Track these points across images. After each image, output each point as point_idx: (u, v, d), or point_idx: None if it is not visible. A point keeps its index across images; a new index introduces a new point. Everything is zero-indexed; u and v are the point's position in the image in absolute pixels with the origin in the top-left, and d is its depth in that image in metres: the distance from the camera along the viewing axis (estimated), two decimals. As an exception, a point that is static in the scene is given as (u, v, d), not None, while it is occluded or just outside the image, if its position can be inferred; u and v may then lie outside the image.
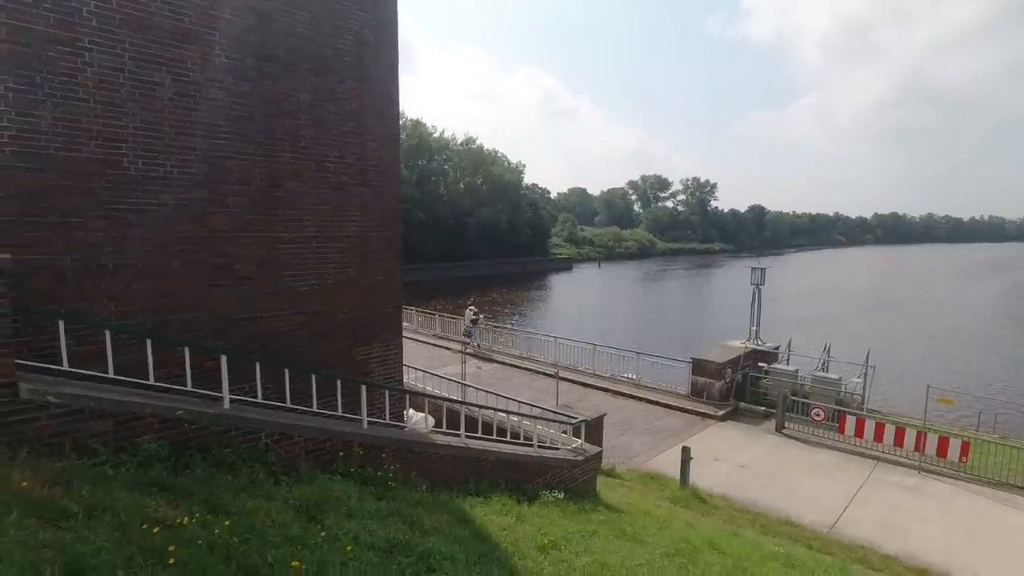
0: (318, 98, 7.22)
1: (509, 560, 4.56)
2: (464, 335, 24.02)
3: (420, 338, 25.60)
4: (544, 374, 19.59)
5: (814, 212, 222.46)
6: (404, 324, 28.20)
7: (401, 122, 71.64)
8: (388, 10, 7.86)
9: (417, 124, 74.32)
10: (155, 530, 3.14)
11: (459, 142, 79.74)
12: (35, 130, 5.38)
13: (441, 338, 25.78)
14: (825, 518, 10.96)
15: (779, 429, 15.46)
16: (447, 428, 7.64)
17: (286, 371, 5.91)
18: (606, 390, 18.47)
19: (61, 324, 4.64)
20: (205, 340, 6.33)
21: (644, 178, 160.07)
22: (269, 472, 4.92)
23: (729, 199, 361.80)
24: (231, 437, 5.05)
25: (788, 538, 9.85)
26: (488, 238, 74.45)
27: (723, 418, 16.27)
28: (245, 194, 6.70)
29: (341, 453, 5.98)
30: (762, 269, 19.29)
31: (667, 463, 12.93)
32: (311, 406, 6.17)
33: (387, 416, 6.86)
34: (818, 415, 15.23)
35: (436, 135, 76.68)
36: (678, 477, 11.82)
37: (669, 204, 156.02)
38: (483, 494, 6.68)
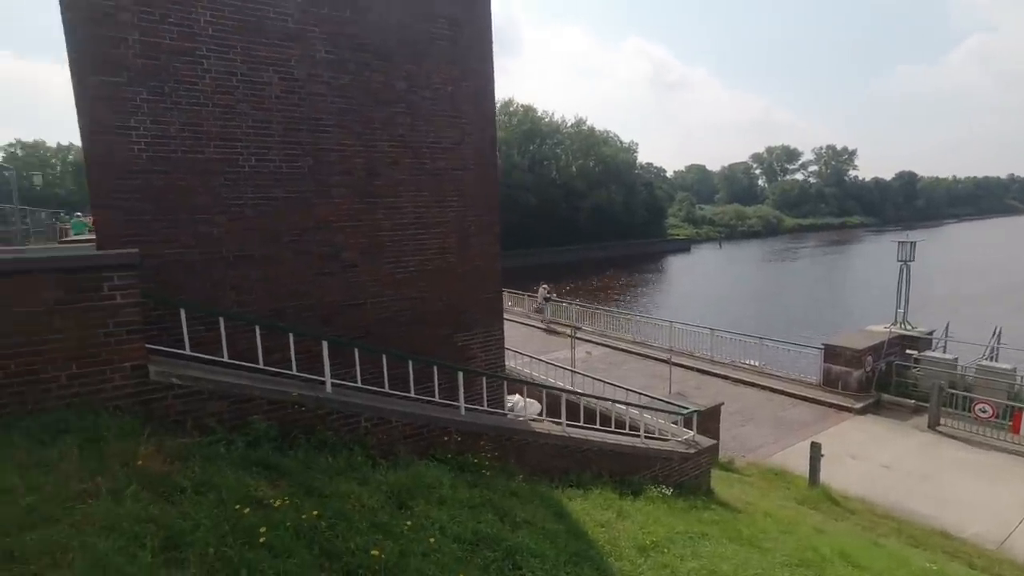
0: (413, 85, 7.26)
1: (604, 561, 4.29)
2: (536, 311, 25.88)
3: (532, 323, 25.71)
4: (658, 359, 18.77)
5: (980, 175, 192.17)
6: (516, 309, 28.66)
7: (512, 108, 72.63)
8: (481, -11, 7.70)
9: (528, 109, 74.42)
10: (248, 510, 3.26)
11: (569, 124, 78.73)
12: (165, 135, 5.90)
13: (553, 322, 25.69)
14: (993, 532, 9.39)
15: (932, 426, 13.52)
16: (557, 415, 7.43)
17: (383, 357, 6.03)
18: (725, 377, 17.32)
19: (183, 312, 5.04)
20: (315, 326, 6.65)
21: (769, 150, 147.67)
22: (367, 456, 5.04)
23: (871, 167, 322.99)
24: (333, 420, 5.25)
25: (943, 552, 8.55)
26: (602, 220, 72.94)
27: (862, 411, 14.57)
28: (347, 184, 6.92)
29: (445, 438, 6.03)
30: (911, 243, 16.93)
31: (794, 458, 11.82)
32: (411, 392, 6.27)
33: (485, 402, 6.82)
34: (984, 411, 13.12)
35: (547, 119, 76.33)
36: (806, 474, 10.74)
37: (799, 176, 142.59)
38: (584, 486, 6.43)
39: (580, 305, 26.16)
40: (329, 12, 6.62)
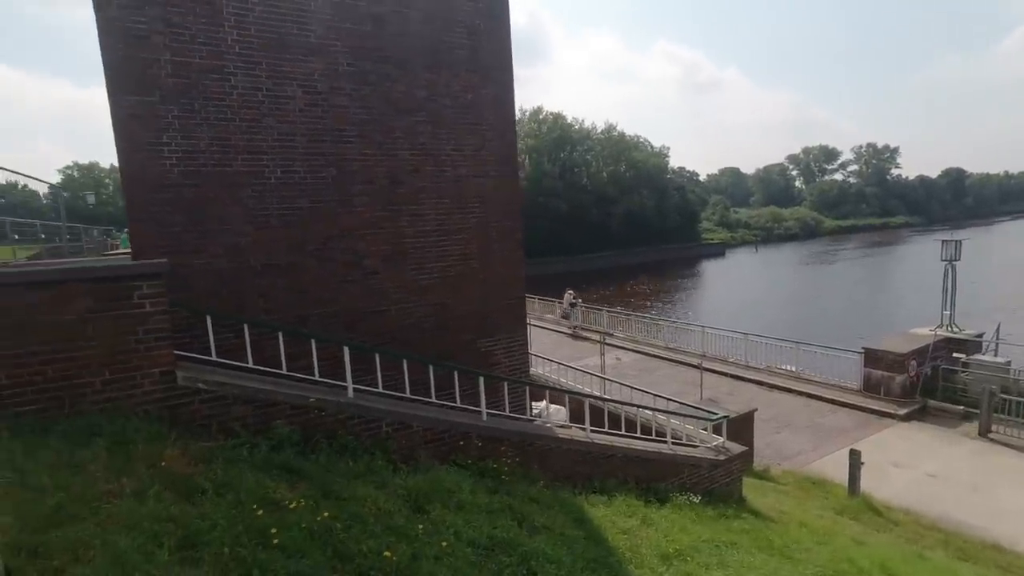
0: (434, 93, 7.35)
1: (623, 568, 4.21)
2: (562, 316, 26.05)
3: (562, 330, 25.59)
4: (690, 365, 18.41)
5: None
6: (547, 316, 28.62)
7: (541, 116, 72.78)
8: (499, -3, 7.76)
9: (558, 117, 74.38)
10: (264, 511, 3.32)
11: (599, 131, 78.42)
12: (195, 150, 6.12)
13: (583, 328, 25.53)
14: (1051, 546, 8.85)
15: (983, 433, 12.86)
16: (588, 421, 7.35)
17: (404, 362, 6.09)
18: (760, 383, 16.87)
19: (209, 319, 5.20)
20: (339, 333, 6.76)
21: (806, 150, 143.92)
22: (388, 460, 5.09)
23: (915, 165, 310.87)
24: (354, 425, 5.31)
25: (996, 567, 8.10)
26: (634, 226, 72.18)
27: (906, 418, 13.97)
28: (370, 193, 7.05)
29: (466, 443, 6.03)
30: (956, 242, 16.21)
31: (832, 467, 11.39)
32: (433, 397, 6.31)
33: (507, 408, 6.80)
34: (1040, 418, 12.40)
35: (577, 126, 76.22)
36: (846, 483, 10.34)
37: (838, 176, 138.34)
38: (608, 492, 6.34)
39: (610, 311, 25.91)
40: (351, 26, 6.78)
